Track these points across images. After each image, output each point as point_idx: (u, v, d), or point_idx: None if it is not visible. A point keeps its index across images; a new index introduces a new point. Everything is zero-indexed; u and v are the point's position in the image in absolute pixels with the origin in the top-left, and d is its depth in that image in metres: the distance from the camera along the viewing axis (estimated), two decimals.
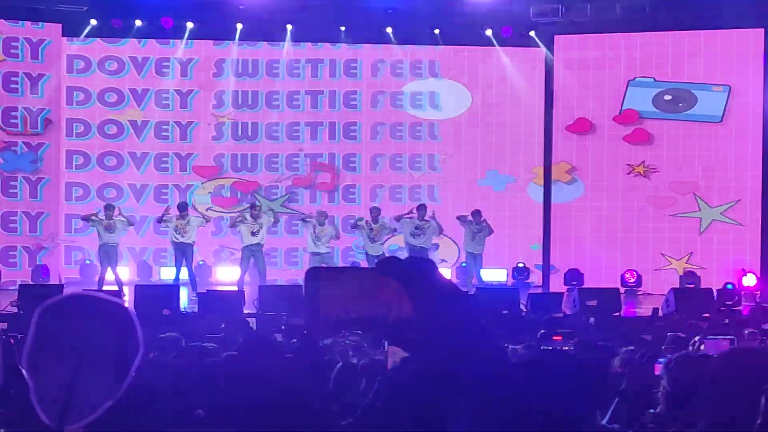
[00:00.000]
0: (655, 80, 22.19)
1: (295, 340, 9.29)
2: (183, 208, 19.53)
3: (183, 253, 19.22)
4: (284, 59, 23.03)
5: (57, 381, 2.26)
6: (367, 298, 2.04)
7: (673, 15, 21.62)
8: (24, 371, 2.29)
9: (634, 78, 22.36)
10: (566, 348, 8.94)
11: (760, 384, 3.22)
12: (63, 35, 22.42)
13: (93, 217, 19.40)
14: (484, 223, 20.06)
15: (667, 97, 22.21)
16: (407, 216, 19.88)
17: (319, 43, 23.09)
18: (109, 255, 19.15)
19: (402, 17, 22.37)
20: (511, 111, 22.89)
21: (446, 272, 20.28)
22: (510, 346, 8.13)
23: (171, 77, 22.95)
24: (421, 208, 20.06)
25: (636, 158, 22.28)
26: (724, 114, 21.90)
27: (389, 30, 22.59)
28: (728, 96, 21.85)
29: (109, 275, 19.16)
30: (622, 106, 22.37)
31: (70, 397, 2.23)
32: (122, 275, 21.15)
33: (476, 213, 20.20)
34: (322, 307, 2.05)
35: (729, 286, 19.27)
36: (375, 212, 20.15)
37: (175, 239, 19.27)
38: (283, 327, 12.83)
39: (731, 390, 3.37)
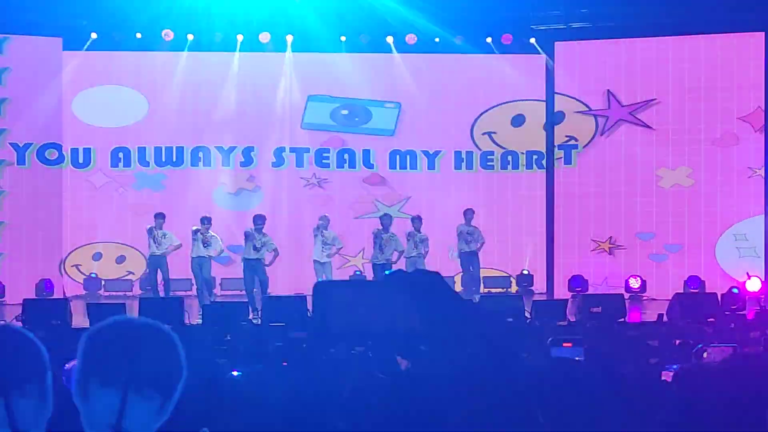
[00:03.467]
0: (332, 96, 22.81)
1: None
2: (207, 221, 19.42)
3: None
4: (287, 68, 23.04)
5: (107, 406, 2.31)
6: (375, 311, 2.04)
7: (673, 20, 21.57)
8: (75, 399, 2.33)
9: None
10: (577, 358, 8.91)
11: (763, 390, 3.20)
12: (64, 49, 22.43)
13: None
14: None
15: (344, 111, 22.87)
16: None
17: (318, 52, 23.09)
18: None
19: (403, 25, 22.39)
20: None
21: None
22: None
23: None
24: (416, 219, 20.06)
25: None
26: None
27: (390, 39, 22.61)
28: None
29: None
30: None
31: (120, 422, 2.28)
32: (125, 288, 21.20)
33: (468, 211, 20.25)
34: (330, 320, 2.05)
35: (734, 291, 19.22)
36: (386, 220, 19.98)
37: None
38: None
39: (736, 397, 3.35)
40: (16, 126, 22.00)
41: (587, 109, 22.59)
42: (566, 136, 22.75)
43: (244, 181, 23.01)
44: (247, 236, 18.98)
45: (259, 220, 19.15)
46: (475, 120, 23.03)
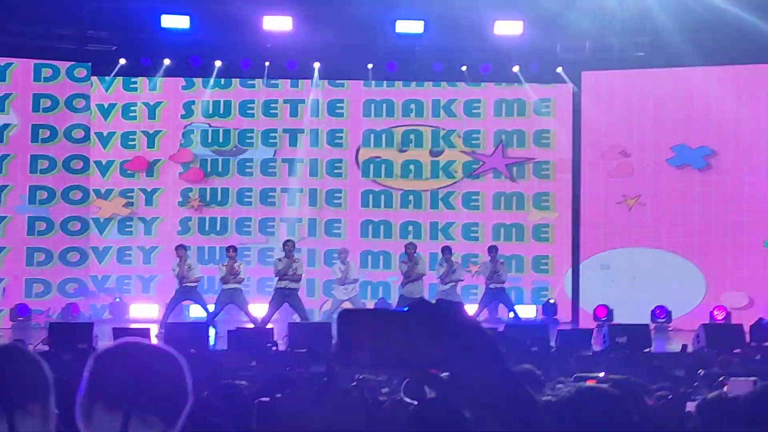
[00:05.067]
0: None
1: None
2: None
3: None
4: (310, 98, 23.19)
5: (108, 429, 2.28)
6: (398, 340, 2.07)
7: (701, 50, 21.52)
8: (77, 420, 2.30)
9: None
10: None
11: None
12: (93, 74, 22.69)
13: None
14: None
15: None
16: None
17: (345, 82, 23.26)
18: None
19: (429, 55, 22.53)
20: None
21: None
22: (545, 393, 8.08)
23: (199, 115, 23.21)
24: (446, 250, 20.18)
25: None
26: None
27: (416, 67, 22.74)
28: None
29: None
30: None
31: None
32: (151, 312, 21.34)
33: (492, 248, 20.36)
34: (353, 350, 2.08)
35: (763, 322, 19.05)
36: (410, 248, 20.12)
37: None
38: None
39: (759, 430, 3.35)
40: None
41: (471, 152, 23.11)
42: (441, 169, 23.10)
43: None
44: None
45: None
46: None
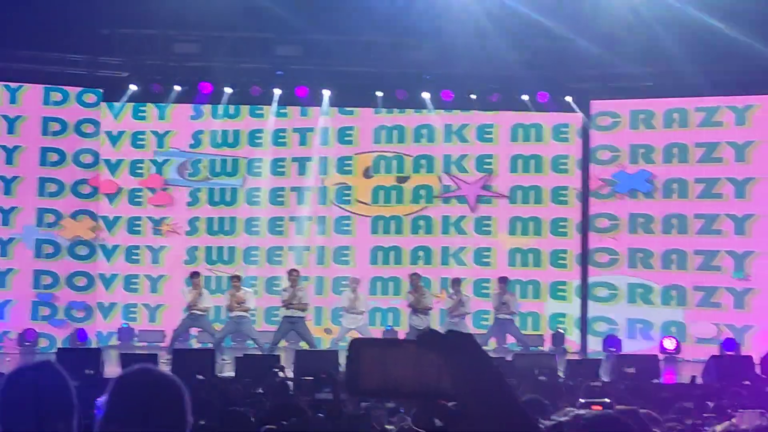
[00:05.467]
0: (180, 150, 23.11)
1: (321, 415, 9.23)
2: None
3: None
4: (320, 125, 23.24)
5: None
6: (407, 370, 2.07)
7: (711, 79, 21.55)
8: None
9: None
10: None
11: None
12: (103, 100, 22.78)
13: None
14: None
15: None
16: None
17: (356, 109, 23.33)
18: None
19: (439, 82, 22.59)
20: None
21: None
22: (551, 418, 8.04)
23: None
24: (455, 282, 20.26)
25: None
26: None
27: (427, 96, 22.75)
28: None
29: None
30: None
31: None
32: (158, 339, 21.40)
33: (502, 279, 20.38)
34: (362, 378, 2.08)
35: None
36: (414, 278, 20.17)
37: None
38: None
39: None
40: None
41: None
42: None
43: None
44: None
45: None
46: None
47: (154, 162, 23.23)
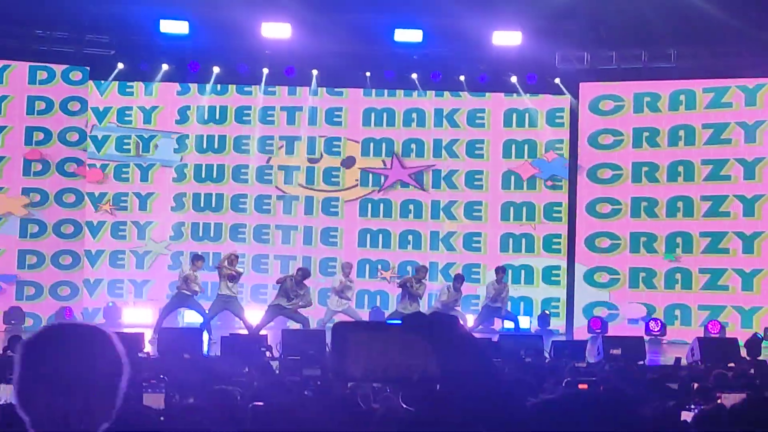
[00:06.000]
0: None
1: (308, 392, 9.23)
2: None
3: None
4: (308, 105, 23.19)
5: (52, 412, 2.30)
6: (394, 354, 2.07)
7: (699, 63, 21.60)
8: (18, 408, 2.32)
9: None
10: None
11: None
12: (90, 78, 22.70)
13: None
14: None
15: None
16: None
17: (342, 90, 23.27)
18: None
19: (427, 64, 22.56)
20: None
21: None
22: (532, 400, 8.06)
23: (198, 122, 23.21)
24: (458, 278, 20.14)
25: None
26: None
27: (414, 76, 22.73)
28: None
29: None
30: None
31: (67, 426, 2.27)
32: (146, 318, 21.32)
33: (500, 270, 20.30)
34: (349, 363, 2.08)
35: (759, 336, 19.03)
36: (422, 272, 20.03)
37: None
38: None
39: None
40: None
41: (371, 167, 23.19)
42: (356, 179, 23.24)
43: None
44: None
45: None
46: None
47: (140, 137, 23.14)
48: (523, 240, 22.85)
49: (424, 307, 19.99)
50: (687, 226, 21.94)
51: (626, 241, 22.32)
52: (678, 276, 21.97)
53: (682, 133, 22.10)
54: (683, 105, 22.09)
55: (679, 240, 21.98)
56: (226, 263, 19.10)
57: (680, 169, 22.04)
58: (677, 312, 21.88)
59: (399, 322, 2.15)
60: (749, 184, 21.62)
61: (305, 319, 18.99)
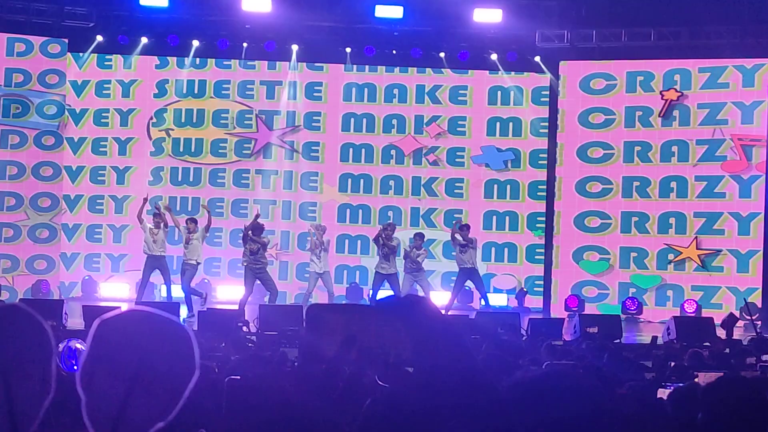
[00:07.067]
0: None
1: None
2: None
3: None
4: (288, 80, 23.09)
5: (110, 397, 2.20)
6: (368, 336, 2.08)
7: (679, 42, 21.63)
8: (78, 385, 2.23)
9: None
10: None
11: (750, 412, 3.21)
12: (69, 50, 22.55)
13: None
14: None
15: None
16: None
17: (323, 65, 23.16)
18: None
19: (408, 40, 22.52)
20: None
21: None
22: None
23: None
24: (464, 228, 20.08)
25: None
26: None
27: (395, 52, 22.68)
28: None
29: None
30: None
31: (122, 416, 2.18)
32: (123, 291, 21.24)
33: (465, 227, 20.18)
34: (321, 343, 2.08)
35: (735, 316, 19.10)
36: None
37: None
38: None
39: (723, 420, 3.36)
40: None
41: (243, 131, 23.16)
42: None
43: None
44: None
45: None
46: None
47: (118, 111, 23.02)
48: (507, 218, 22.85)
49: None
50: (681, 206, 21.91)
51: (617, 221, 22.31)
52: (671, 256, 21.93)
53: (677, 113, 22.02)
54: (678, 85, 22.02)
55: (672, 220, 21.94)
56: (250, 233, 19.05)
57: (674, 149, 21.99)
58: (669, 293, 21.90)
59: (371, 304, 2.15)
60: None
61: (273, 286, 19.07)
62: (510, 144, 22.95)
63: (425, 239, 20.47)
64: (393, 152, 23.13)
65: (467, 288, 20.88)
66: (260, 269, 19.03)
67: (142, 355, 2.21)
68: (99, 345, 2.24)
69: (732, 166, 21.58)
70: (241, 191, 23.09)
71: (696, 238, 21.71)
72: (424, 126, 22.99)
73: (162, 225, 19.21)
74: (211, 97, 23.15)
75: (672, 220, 21.96)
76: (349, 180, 23.17)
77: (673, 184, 21.92)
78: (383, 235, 19.61)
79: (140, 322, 2.29)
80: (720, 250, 21.57)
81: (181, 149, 23.10)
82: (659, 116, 21.98)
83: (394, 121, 23.14)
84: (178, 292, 19.35)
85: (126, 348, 2.23)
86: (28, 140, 22.31)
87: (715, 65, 21.76)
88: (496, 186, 22.97)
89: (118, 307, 15.55)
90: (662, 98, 21.94)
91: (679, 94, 21.87)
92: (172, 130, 22.95)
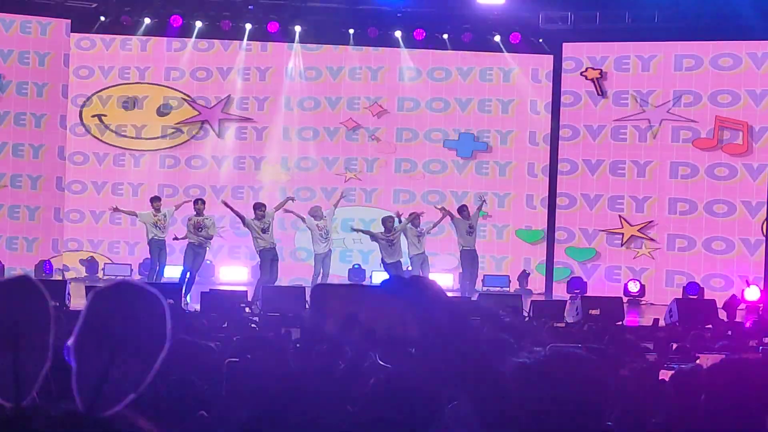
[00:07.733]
0: None
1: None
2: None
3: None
4: (291, 63, 23.03)
5: (95, 367, 2.25)
6: (373, 316, 2.08)
7: (682, 24, 21.54)
8: (69, 355, 2.28)
9: None
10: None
11: (752, 394, 3.22)
12: (72, 31, 22.46)
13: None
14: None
15: None
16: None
17: (326, 46, 23.08)
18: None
19: (412, 21, 22.45)
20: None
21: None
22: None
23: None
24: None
25: None
26: None
27: (398, 34, 22.61)
28: None
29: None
30: None
31: (101, 386, 2.23)
32: (124, 273, 21.29)
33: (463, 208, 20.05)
34: (326, 323, 2.08)
35: (737, 298, 19.12)
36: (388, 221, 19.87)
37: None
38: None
39: (726, 402, 3.36)
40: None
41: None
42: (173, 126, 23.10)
43: None
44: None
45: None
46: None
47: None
48: (507, 199, 22.84)
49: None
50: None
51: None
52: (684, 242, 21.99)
53: (690, 98, 21.99)
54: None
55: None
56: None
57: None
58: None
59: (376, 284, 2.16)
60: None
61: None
62: (511, 125, 22.90)
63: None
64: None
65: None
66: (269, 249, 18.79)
67: (122, 326, 2.26)
68: (92, 315, 2.28)
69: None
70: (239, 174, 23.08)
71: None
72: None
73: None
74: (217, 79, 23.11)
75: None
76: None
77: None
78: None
79: (129, 292, 2.33)
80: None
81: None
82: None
83: (397, 103, 23.08)
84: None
85: (112, 318, 2.27)
86: (32, 122, 22.26)
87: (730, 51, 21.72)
88: (497, 167, 22.94)
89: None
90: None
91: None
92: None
